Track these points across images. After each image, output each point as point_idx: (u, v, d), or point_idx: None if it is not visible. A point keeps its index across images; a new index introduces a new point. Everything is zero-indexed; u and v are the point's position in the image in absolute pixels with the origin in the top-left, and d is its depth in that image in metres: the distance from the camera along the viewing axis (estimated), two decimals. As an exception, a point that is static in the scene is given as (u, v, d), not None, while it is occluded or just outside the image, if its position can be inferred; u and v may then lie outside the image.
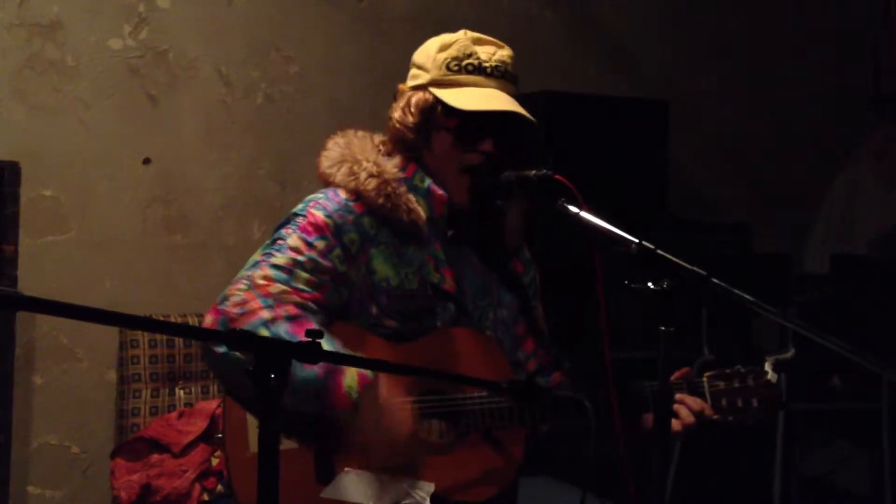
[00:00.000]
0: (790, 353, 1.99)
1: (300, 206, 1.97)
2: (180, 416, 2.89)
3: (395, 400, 1.84)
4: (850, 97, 4.49)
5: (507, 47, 2.01)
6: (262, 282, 1.86)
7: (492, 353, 1.99)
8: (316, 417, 1.83)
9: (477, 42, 1.99)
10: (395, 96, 2.05)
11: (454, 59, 1.96)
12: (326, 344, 1.82)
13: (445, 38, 2.00)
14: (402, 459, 1.85)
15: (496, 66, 1.96)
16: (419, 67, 2.02)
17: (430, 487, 1.83)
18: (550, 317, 2.22)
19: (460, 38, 1.98)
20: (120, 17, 3.23)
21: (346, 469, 1.84)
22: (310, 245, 1.90)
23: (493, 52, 1.98)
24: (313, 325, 1.83)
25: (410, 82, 2.03)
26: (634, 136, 3.75)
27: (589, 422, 1.78)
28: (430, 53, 1.99)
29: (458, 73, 1.96)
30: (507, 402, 1.89)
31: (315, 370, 1.79)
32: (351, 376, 1.80)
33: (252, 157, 3.43)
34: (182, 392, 3.06)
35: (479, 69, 1.96)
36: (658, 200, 3.83)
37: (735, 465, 3.53)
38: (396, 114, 2.00)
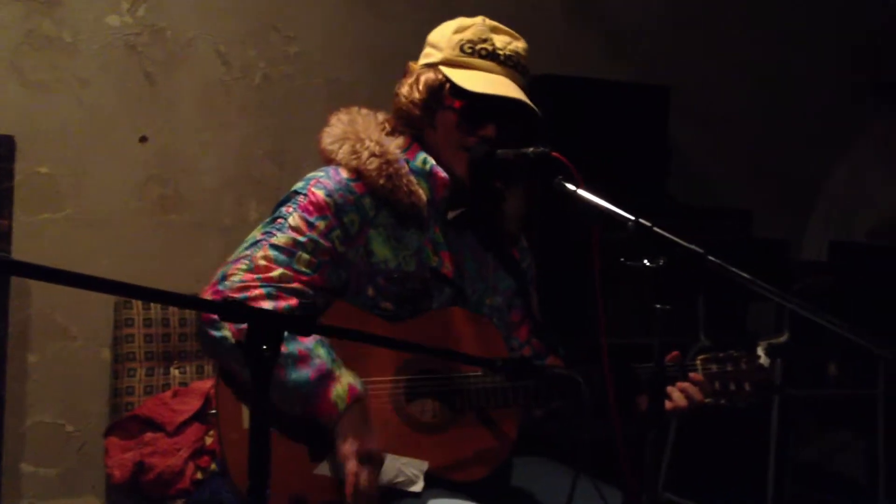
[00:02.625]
0: (783, 338, 2.00)
1: (301, 185, 1.95)
2: (174, 394, 2.88)
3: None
4: (853, 83, 4.47)
5: (522, 40, 2.01)
6: (263, 263, 1.85)
7: (488, 333, 1.99)
8: (301, 419, 1.82)
9: (494, 30, 1.99)
10: (405, 73, 2.03)
11: (469, 41, 1.96)
12: (323, 351, 1.80)
13: (463, 21, 2.00)
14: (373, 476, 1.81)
15: (509, 56, 1.96)
16: (433, 46, 2.01)
17: (423, 466, 1.83)
18: (546, 301, 2.21)
19: (478, 24, 1.98)
20: (118, -6, 3.21)
21: (338, 446, 1.83)
22: (311, 225, 1.89)
23: (508, 42, 1.97)
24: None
25: (422, 60, 2.02)
26: (636, 121, 3.74)
27: (583, 400, 1.77)
28: (446, 34, 1.99)
29: (470, 55, 1.95)
30: (502, 381, 1.88)
31: (308, 374, 1.78)
32: (342, 387, 1.80)
33: (250, 136, 3.42)
34: (177, 371, 3.05)
35: (492, 55, 1.95)
36: (659, 185, 3.82)
37: (730, 450, 3.53)
38: (404, 89, 1.99)
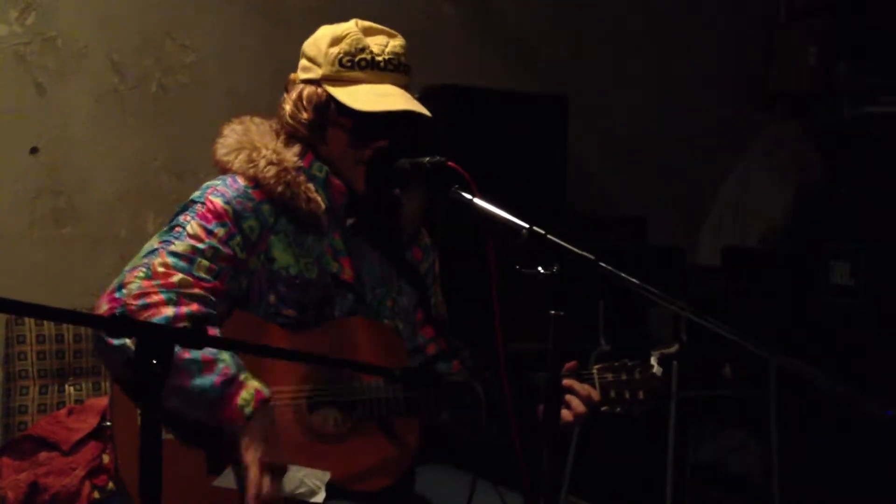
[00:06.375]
0: (674, 347, 2.05)
1: (198, 193, 1.94)
2: (70, 413, 2.81)
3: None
4: (744, 95, 4.62)
5: (398, 36, 2.00)
6: (161, 269, 1.82)
7: (389, 341, 1.99)
8: (201, 425, 1.80)
9: (368, 32, 1.98)
10: (286, 87, 2.03)
11: (347, 54, 1.94)
12: (227, 356, 1.78)
13: (336, 29, 1.98)
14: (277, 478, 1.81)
15: (389, 59, 1.95)
16: (311, 61, 1.99)
17: (325, 476, 1.82)
18: (451, 308, 2.23)
19: (351, 31, 1.96)
20: (6, 2, 3.11)
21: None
22: (210, 232, 1.87)
23: (385, 44, 1.97)
24: (216, 326, 1.81)
25: (302, 74, 2.00)
26: (534, 130, 3.78)
27: (480, 407, 1.80)
28: (322, 47, 1.97)
29: (350, 69, 1.94)
30: (402, 389, 1.89)
31: (213, 380, 1.76)
32: (248, 392, 1.78)
33: (146, 147, 3.35)
34: (72, 389, 2.98)
35: (372, 64, 1.94)
36: (558, 195, 3.88)
37: (629, 454, 3.60)
38: (289, 107, 1.99)
